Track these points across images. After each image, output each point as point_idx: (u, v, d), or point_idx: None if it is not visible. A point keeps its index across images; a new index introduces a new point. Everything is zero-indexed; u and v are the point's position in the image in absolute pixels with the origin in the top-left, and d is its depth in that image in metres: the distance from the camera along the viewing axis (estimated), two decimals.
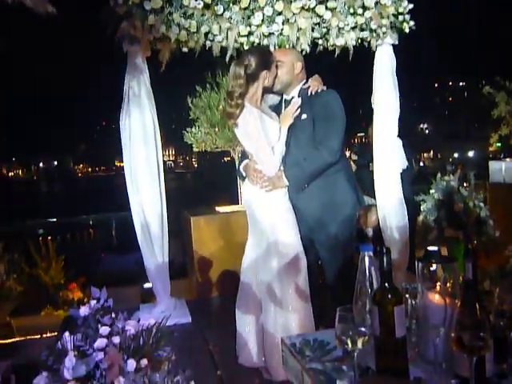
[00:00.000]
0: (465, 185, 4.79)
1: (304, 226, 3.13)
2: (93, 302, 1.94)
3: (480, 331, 1.20)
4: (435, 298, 1.38)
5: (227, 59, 3.65)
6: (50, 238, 5.11)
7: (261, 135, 2.92)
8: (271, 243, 2.94)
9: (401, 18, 3.80)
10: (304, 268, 2.95)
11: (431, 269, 1.49)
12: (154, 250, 3.87)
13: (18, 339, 3.96)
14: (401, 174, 4.02)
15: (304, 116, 3.05)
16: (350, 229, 3.18)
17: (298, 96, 3.15)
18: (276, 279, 2.91)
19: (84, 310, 1.90)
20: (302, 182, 3.05)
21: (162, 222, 3.88)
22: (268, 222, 2.98)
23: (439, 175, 4.73)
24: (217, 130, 4.88)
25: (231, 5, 3.48)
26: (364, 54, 3.94)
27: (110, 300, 1.93)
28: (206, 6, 3.46)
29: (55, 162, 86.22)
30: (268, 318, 2.93)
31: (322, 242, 3.15)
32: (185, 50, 3.70)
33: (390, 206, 3.98)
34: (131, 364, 1.67)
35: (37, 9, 2.90)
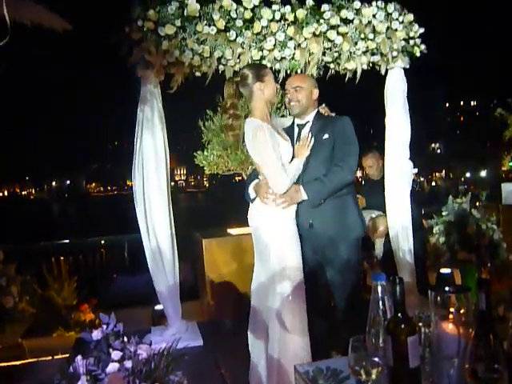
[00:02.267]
0: (477, 204, 4.77)
1: (314, 245, 3.16)
2: (105, 326, 1.95)
3: (495, 363, 1.19)
4: (449, 327, 1.37)
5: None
6: (62, 258, 5.12)
7: (270, 149, 2.92)
8: (277, 268, 2.95)
9: (412, 42, 3.84)
10: (304, 292, 2.97)
11: (444, 297, 1.48)
12: (165, 272, 3.87)
13: (30, 361, 3.96)
14: (412, 195, 4.03)
15: (326, 136, 3.12)
16: (358, 251, 3.23)
17: (314, 119, 3.22)
18: (282, 303, 2.90)
19: (96, 334, 1.91)
20: (321, 196, 3.08)
21: (172, 244, 3.89)
22: (275, 246, 2.99)
23: (451, 197, 4.71)
24: (229, 152, 4.90)
25: (244, 30, 3.54)
26: (375, 78, 3.97)
27: (119, 325, 1.94)
28: (219, 32, 3.52)
29: (68, 182, 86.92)
30: (273, 343, 2.92)
31: (332, 263, 3.16)
32: (198, 74, 3.76)
33: (399, 228, 3.98)
34: None
35: (54, 27, 2.97)
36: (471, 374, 1.21)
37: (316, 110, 3.26)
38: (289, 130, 3.27)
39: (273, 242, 2.99)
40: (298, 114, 3.22)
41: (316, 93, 3.25)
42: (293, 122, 3.31)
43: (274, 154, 2.94)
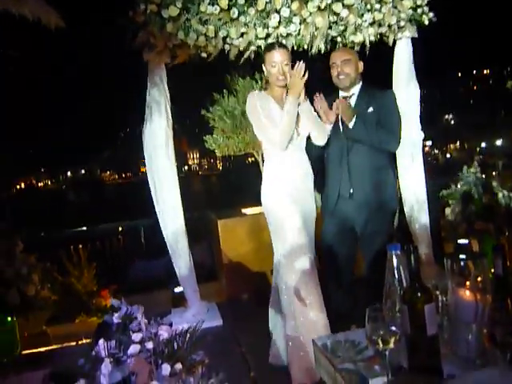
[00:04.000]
0: (493, 174, 4.72)
1: (352, 214, 3.24)
2: (124, 310, 1.98)
3: None
4: (466, 294, 1.37)
5: (241, 61, 3.73)
6: (80, 246, 5.18)
7: (256, 111, 2.99)
8: (288, 245, 2.97)
9: (419, 10, 3.77)
10: (314, 268, 2.99)
11: (461, 265, 1.48)
12: (180, 254, 3.92)
13: (54, 347, 4.04)
14: (426, 167, 4.01)
15: (371, 109, 3.18)
16: (392, 224, 3.39)
17: (360, 91, 3.25)
18: (296, 280, 2.92)
19: (117, 317, 1.94)
20: (362, 135, 3.13)
21: (181, 226, 3.94)
22: (280, 224, 3.02)
23: (465, 168, 4.67)
24: (238, 133, 4.89)
25: (247, 8, 3.50)
26: (383, 49, 3.91)
27: (134, 307, 1.96)
28: (222, 11, 3.48)
29: (82, 171, 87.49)
30: (290, 319, 2.95)
31: (368, 234, 3.21)
32: (203, 55, 3.74)
33: (414, 201, 3.97)
34: (166, 368, 1.69)
35: (49, 22, 2.98)
36: (489, 338, 1.21)
37: (361, 82, 3.28)
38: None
39: (278, 221, 3.02)
40: (349, 86, 3.25)
41: (361, 66, 3.30)
42: (337, 95, 3.30)
43: (260, 115, 2.98)
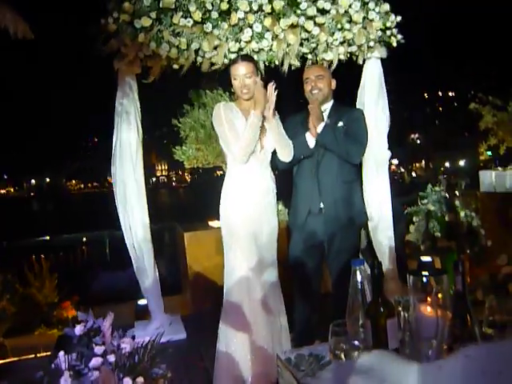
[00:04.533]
0: (456, 193, 4.82)
1: (322, 229, 3.28)
2: (90, 322, 1.94)
3: (471, 342, 1.22)
4: (427, 310, 1.40)
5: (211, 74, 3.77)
6: (42, 256, 5.07)
7: (221, 122, 3.03)
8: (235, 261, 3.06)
9: (388, 32, 3.85)
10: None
11: (423, 281, 1.50)
12: (145, 266, 3.88)
13: (12, 359, 3.92)
14: (392, 185, 4.08)
15: (340, 123, 3.27)
16: (359, 238, 3.49)
17: (331, 108, 3.34)
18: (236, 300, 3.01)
19: (79, 329, 1.90)
20: (329, 139, 3.19)
21: (147, 238, 3.90)
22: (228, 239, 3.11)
23: (430, 186, 4.76)
24: (207, 145, 4.89)
25: (220, 22, 3.52)
26: (352, 68, 3.99)
27: (99, 320, 1.93)
28: (195, 24, 3.50)
29: (47, 179, 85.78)
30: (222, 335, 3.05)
31: (336, 248, 3.24)
32: (175, 66, 3.74)
33: (380, 218, 4.02)
34: (127, 382, 1.67)
35: (16, 32, 2.94)
36: (449, 353, 1.24)
37: (332, 100, 3.37)
38: (307, 124, 3.29)
39: (229, 236, 3.11)
40: (320, 102, 3.30)
41: (334, 83, 3.41)
42: (308, 111, 3.33)
43: (224, 127, 3.01)
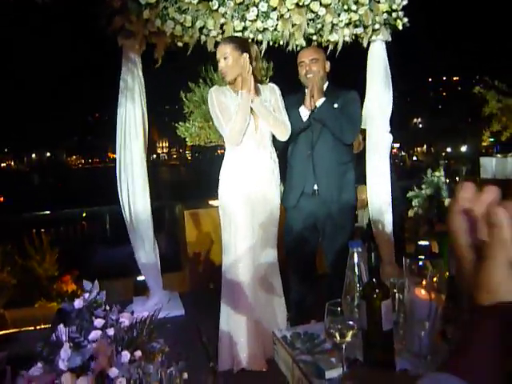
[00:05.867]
0: (457, 179, 4.84)
1: (316, 211, 3.29)
2: (87, 295, 1.97)
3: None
4: (421, 292, 1.42)
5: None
6: (43, 230, 5.10)
7: (214, 107, 3.05)
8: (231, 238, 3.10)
9: (394, 14, 3.84)
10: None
11: (418, 264, 1.53)
12: (144, 243, 3.91)
13: (12, 331, 3.98)
14: (392, 169, 4.10)
15: (336, 105, 3.25)
16: (353, 219, 3.49)
17: (326, 91, 3.29)
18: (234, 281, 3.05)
19: (78, 303, 1.93)
20: (325, 114, 3.20)
21: (148, 215, 3.92)
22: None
23: (430, 171, 4.78)
24: (210, 123, 4.89)
25: (226, 0, 3.50)
26: (357, 51, 3.97)
27: (102, 292, 1.96)
28: (201, 1, 3.48)
29: (48, 154, 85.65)
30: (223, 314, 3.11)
31: (331, 229, 3.27)
32: (180, 44, 3.72)
33: (379, 202, 4.04)
34: (125, 355, 1.70)
35: None
36: (441, 335, 1.27)
37: (327, 82, 3.35)
38: (302, 102, 3.29)
39: (226, 217, 3.12)
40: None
41: (328, 65, 3.38)
42: (303, 93, 3.33)
43: (217, 110, 3.03)
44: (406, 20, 3.92)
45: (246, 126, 3.00)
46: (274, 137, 3.16)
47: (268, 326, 3.02)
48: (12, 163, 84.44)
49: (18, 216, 6.48)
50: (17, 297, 4.22)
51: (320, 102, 3.18)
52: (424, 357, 1.42)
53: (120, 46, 3.64)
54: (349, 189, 3.31)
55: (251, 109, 3.00)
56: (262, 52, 3.71)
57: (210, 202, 5.19)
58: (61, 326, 1.79)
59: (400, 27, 3.91)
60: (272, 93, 3.16)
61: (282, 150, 3.39)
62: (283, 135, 3.13)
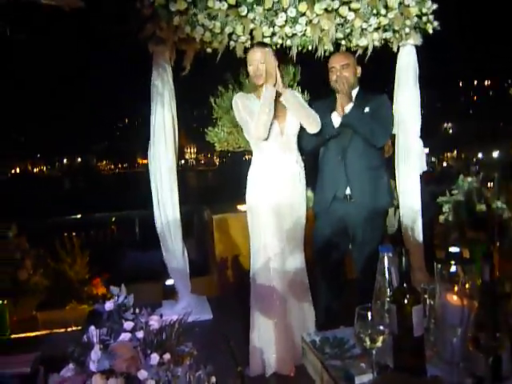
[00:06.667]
0: (489, 185, 4.75)
1: (348, 215, 3.28)
2: (116, 298, 2.00)
3: (496, 332, 1.22)
4: (453, 298, 1.40)
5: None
6: (74, 234, 5.18)
7: (240, 112, 3.06)
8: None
9: (424, 18, 3.80)
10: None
11: (450, 270, 1.51)
12: (174, 247, 3.94)
13: (43, 332, 4.05)
14: (423, 174, 4.05)
15: (367, 109, 3.22)
16: (383, 224, 3.51)
17: (356, 96, 3.29)
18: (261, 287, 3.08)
19: (109, 305, 1.96)
20: (356, 120, 3.18)
21: (177, 219, 3.97)
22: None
23: (461, 176, 4.70)
24: (239, 129, 4.90)
25: (255, 6, 3.52)
26: (386, 55, 3.95)
27: (130, 296, 1.98)
28: (230, 7, 3.51)
29: (79, 159, 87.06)
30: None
31: (362, 234, 3.25)
32: (209, 50, 3.76)
33: (409, 207, 4.00)
34: (154, 358, 1.72)
35: (67, 5, 2.98)
36: (474, 342, 1.24)
37: (358, 87, 3.34)
38: (332, 107, 3.29)
39: (254, 222, 3.13)
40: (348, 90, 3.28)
41: (359, 70, 3.36)
42: (334, 98, 3.32)
43: (242, 113, 3.05)
44: (436, 24, 3.88)
45: (271, 124, 2.99)
46: (299, 141, 3.17)
47: (297, 331, 3.01)
48: (44, 168, 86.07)
49: (50, 220, 6.60)
50: (48, 299, 4.30)
51: (349, 107, 3.17)
52: (456, 364, 1.40)
53: (151, 53, 3.70)
54: (381, 193, 3.28)
55: (275, 111, 3.00)
56: (293, 57, 3.73)
57: (239, 207, 5.20)
58: (92, 328, 1.82)
59: (430, 31, 3.87)
60: (292, 95, 3.16)
61: (314, 155, 3.39)
62: (314, 127, 3.11)
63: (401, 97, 3.96)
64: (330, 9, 3.57)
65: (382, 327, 1.37)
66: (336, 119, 3.22)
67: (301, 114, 3.07)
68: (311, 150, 3.33)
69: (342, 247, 3.37)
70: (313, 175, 3.53)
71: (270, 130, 3.00)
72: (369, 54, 3.80)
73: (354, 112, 3.16)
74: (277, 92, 3.01)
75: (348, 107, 3.16)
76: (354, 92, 3.31)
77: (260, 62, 3.00)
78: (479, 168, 4.99)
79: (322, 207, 3.35)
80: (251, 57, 3.04)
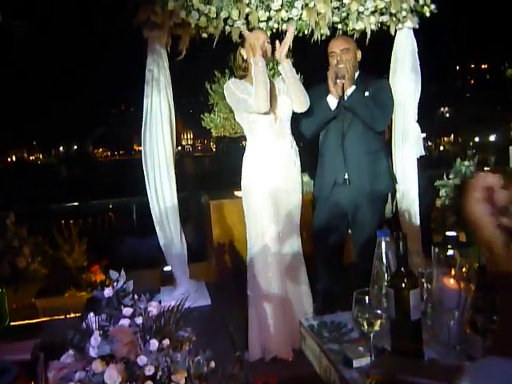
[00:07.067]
0: (485, 169, 4.76)
1: (346, 200, 3.28)
2: (115, 283, 2.00)
3: (493, 314, 1.23)
4: (450, 282, 1.41)
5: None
6: (72, 221, 5.18)
7: (233, 94, 3.03)
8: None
9: (421, 1, 3.77)
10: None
11: (447, 254, 1.52)
12: (171, 234, 3.95)
13: (43, 319, 4.07)
14: (419, 159, 4.04)
15: (366, 93, 3.22)
16: (384, 208, 3.44)
17: (357, 80, 3.26)
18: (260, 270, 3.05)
19: (108, 292, 1.96)
20: (358, 102, 3.18)
21: (174, 205, 3.95)
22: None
23: (458, 160, 4.71)
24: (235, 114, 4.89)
25: None
26: (383, 39, 3.92)
27: (129, 282, 1.99)
28: None
29: (75, 146, 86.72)
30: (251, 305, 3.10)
31: (361, 218, 3.25)
32: (204, 35, 3.73)
33: (406, 191, 4.01)
34: (154, 344, 1.73)
35: None
36: (470, 324, 1.26)
37: (358, 71, 3.32)
38: (328, 91, 3.27)
39: (249, 208, 3.11)
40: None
41: (359, 54, 3.34)
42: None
43: (236, 94, 3.01)
44: (433, 7, 3.85)
45: (269, 99, 2.95)
46: (298, 127, 3.16)
47: (294, 315, 3.03)
48: (40, 156, 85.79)
49: (48, 208, 6.59)
50: (47, 286, 4.31)
51: (350, 90, 3.16)
52: (453, 346, 1.41)
53: (145, 38, 3.67)
54: (381, 178, 3.28)
55: (270, 97, 2.97)
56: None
57: (236, 193, 5.20)
58: (91, 315, 1.82)
59: (427, 14, 3.84)
60: (290, 66, 3.13)
61: (314, 140, 3.38)
62: (303, 105, 3.09)
63: (398, 80, 3.94)
64: None
65: (379, 311, 1.38)
66: (333, 102, 3.20)
67: (294, 88, 3.04)
68: (311, 135, 3.33)
69: (342, 231, 3.38)
70: (310, 161, 3.53)
71: (263, 115, 2.98)
72: (368, 38, 3.77)
73: (355, 95, 3.15)
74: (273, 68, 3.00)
75: (349, 90, 3.16)
76: (355, 76, 3.30)
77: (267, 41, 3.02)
78: (476, 152, 4.99)
79: (323, 192, 3.35)
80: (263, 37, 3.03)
